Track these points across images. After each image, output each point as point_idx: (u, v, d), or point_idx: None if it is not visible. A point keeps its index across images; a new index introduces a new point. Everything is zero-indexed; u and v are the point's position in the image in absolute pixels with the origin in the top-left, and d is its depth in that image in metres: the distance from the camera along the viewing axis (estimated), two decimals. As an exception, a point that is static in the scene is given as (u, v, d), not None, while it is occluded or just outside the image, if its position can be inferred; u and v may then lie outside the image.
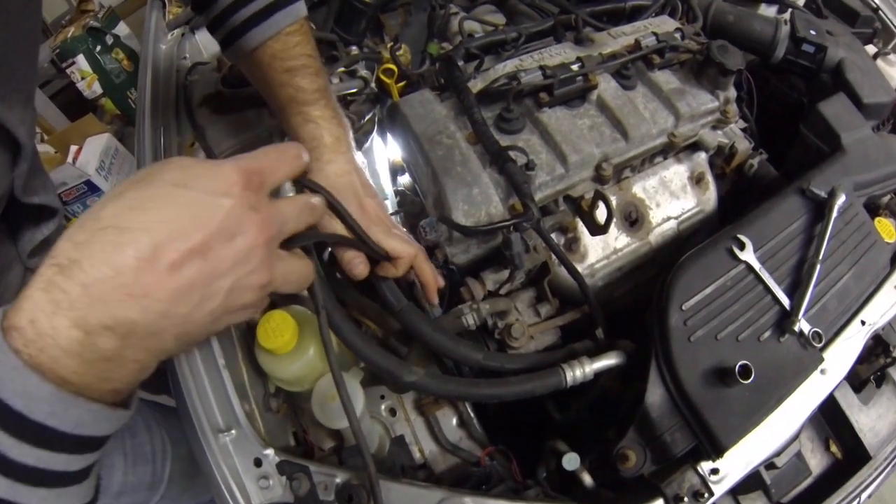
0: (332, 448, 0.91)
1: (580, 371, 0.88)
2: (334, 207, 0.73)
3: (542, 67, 1.04)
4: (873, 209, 1.20)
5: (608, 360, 0.90)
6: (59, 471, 0.46)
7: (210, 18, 0.84)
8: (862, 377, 1.08)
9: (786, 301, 0.94)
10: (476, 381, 0.86)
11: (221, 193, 0.49)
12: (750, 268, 0.95)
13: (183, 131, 1.21)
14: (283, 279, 0.56)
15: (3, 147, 0.71)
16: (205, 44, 1.47)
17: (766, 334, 0.92)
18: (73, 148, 2.79)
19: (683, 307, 0.89)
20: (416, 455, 0.97)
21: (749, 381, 0.83)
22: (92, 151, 2.77)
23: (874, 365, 1.09)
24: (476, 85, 1.06)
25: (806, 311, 0.92)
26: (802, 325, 0.92)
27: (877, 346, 1.12)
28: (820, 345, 0.92)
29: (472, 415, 1.00)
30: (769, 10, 1.37)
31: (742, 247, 0.95)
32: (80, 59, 3.04)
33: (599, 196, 0.96)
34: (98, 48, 3.09)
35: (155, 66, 1.37)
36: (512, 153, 0.95)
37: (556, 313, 1.00)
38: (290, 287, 0.59)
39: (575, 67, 1.05)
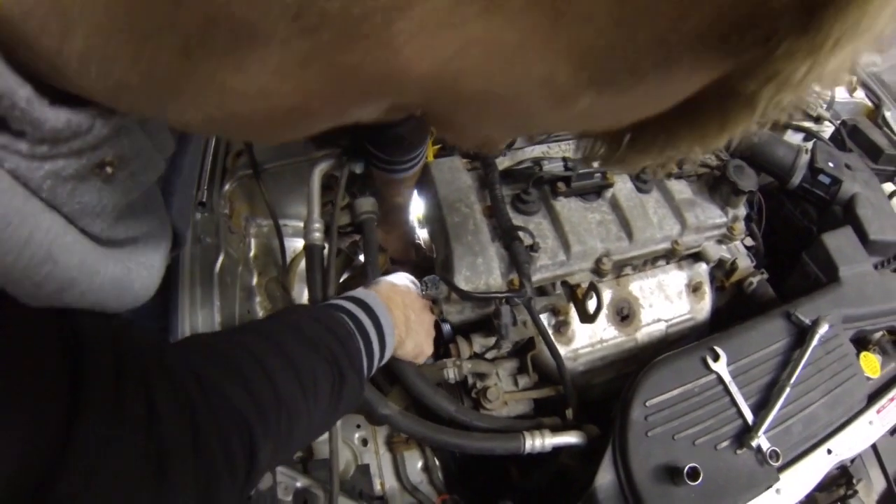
0: (300, 457, 0.99)
1: (539, 441, 0.95)
2: None
3: (564, 158, 1.13)
4: (863, 343, 1.24)
5: (568, 438, 0.97)
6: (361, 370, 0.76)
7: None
8: (820, 504, 1.12)
9: (749, 416, 0.99)
10: (443, 429, 0.94)
11: (416, 296, 0.96)
12: (720, 379, 1.01)
13: (232, 143, 1.32)
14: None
15: None
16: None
17: (724, 444, 0.97)
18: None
19: (647, 403, 0.96)
20: (377, 487, 1.05)
21: (696, 483, 0.89)
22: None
23: (834, 495, 1.13)
24: (504, 162, 1.16)
25: (768, 430, 0.98)
26: (761, 442, 0.97)
27: (841, 476, 1.16)
28: (777, 464, 0.96)
29: (437, 462, 1.08)
30: (795, 137, 1.44)
31: (716, 358, 1.01)
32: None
33: (592, 288, 1.04)
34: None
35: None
36: (521, 233, 1.04)
37: (532, 386, 1.08)
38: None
39: (595, 164, 1.13)
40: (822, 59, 0.23)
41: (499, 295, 0.98)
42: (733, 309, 1.30)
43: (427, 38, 0.24)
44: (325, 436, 0.92)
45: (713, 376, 1.01)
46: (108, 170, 0.34)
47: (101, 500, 0.38)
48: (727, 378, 1.01)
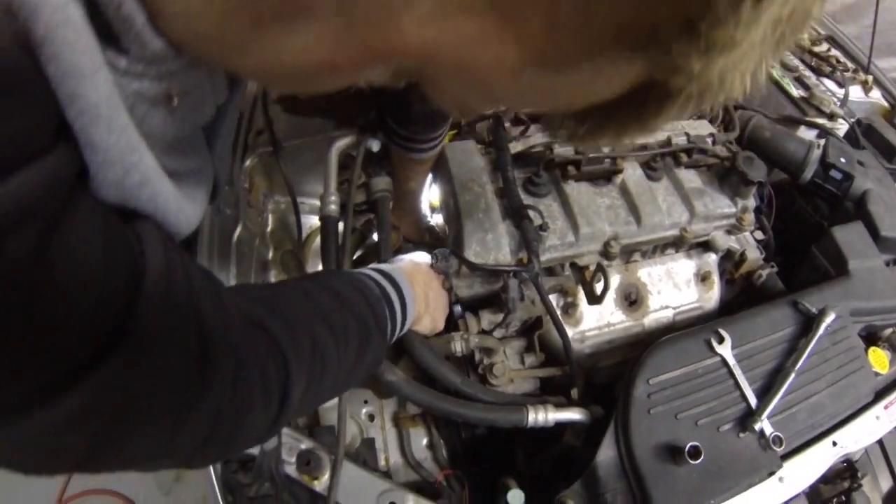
0: (306, 423, 1.01)
1: (543, 416, 0.96)
2: None
3: (575, 143, 1.15)
4: (872, 338, 1.23)
5: (571, 415, 0.98)
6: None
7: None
8: (824, 496, 1.11)
9: (753, 400, 0.99)
10: (447, 397, 0.95)
11: (434, 276, 1.01)
12: (724, 362, 1.01)
13: (255, 120, 1.35)
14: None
15: None
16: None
17: (727, 427, 0.97)
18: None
19: (651, 381, 0.97)
20: (381, 462, 1.07)
21: (697, 462, 0.89)
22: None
23: (838, 487, 1.12)
24: (516, 147, 1.18)
25: (771, 414, 0.98)
26: (764, 426, 0.97)
27: (846, 470, 1.15)
28: (780, 449, 0.96)
29: (441, 440, 1.10)
30: (808, 134, 1.44)
31: (721, 340, 1.02)
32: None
33: (600, 269, 1.05)
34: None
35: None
36: (531, 213, 1.06)
37: (539, 365, 1.09)
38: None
39: (605, 150, 1.16)
40: (714, 59, 0.31)
41: (507, 269, 1.00)
42: (742, 303, 1.30)
43: (421, 26, 0.34)
44: (333, 402, 0.94)
45: (717, 359, 1.02)
46: (175, 101, 0.42)
47: (152, 383, 0.41)
48: (731, 361, 1.02)
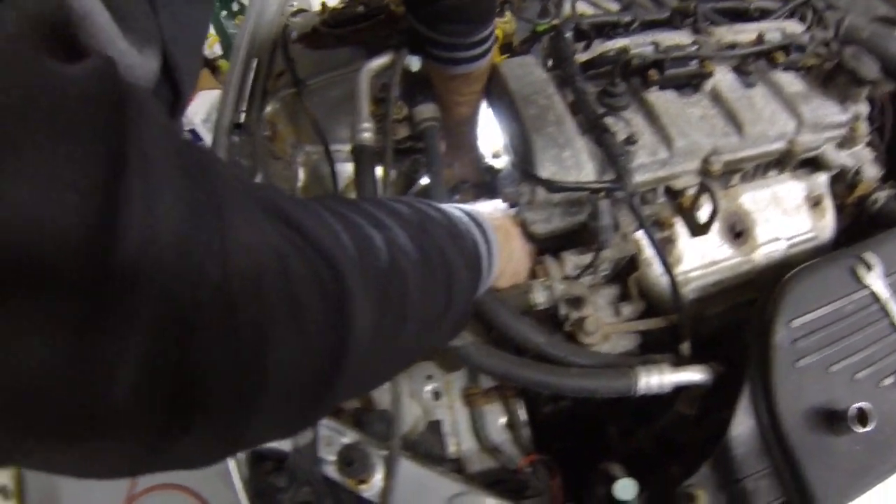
0: (355, 409, 0.80)
1: (657, 379, 0.74)
2: None
3: (654, 43, 0.93)
4: None
5: (693, 375, 0.77)
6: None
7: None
8: None
9: (917, 344, 0.78)
10: (528, 363, 0.75)
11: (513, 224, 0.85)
12: (875, 296, 0.80)
13: (274, 65, 1.20)
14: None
15: None
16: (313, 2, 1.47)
17: (890, 380, 0.76)
18: (186, 98, 3.07)
19: (793, 324, 0.75)
20: (451, 448, 0.86)
21: (866, 429, 0.67)
22: (201, 104, 2.94)
23: None
24: (582, 58, 0.96)
25: (938, 363, 0.77)
26: (936, 379, 0.76)
27: None
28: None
29: (522, 418, 0.88)
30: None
31: (869, 268, 0.80)
32: (207, 21, 3.31)
33: (705, 188, 0.83)
34: (224, 13, 3.31)
35: (263, 8, 1.36)
36: (612, 124, 0.84)
37: (638, 317, 0.87)
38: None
39: (690, 49, 0.94)
40: None
41: (597, 185, 0.77)
42: (854, 237, 1.08)
43: None
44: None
45: (867, 292, 0.80)
46: None
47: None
48: (885, 294, 0.80)
